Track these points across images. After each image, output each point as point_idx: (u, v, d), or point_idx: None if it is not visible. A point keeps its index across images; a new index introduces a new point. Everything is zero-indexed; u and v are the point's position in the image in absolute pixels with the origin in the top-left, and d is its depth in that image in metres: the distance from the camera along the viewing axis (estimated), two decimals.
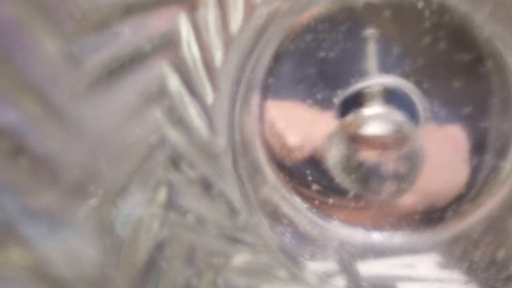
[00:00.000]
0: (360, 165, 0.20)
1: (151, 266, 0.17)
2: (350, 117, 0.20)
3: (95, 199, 0.16)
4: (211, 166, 0.18)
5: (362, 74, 0.20)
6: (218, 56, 0.18)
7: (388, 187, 0.20)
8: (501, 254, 0.19)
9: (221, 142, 0.18)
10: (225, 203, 0.18)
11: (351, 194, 0.21)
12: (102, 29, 0.16)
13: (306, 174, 0.21)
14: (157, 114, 0.17)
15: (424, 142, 0.20)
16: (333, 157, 0.20)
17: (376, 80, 0.20)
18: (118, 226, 0.16)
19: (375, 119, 0.20)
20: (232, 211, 0.18)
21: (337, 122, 0.20)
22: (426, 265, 0.20)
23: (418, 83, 0.20)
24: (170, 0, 0.17)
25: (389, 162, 0.20)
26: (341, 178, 0.20)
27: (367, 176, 0.20)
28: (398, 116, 0.20)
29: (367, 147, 0.20)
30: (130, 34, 0.16)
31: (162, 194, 0.17)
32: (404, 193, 0.20)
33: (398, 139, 0.20)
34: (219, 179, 0.18)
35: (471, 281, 0.19)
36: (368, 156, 0.20)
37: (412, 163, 0.20)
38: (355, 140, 0.20)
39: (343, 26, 0.20)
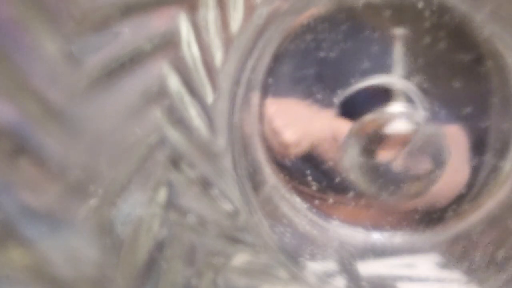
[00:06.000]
0: (378, 166, 0.20)
1: (151, 266, 0.17)
2: (369, 116, 0.20)
3: (95, 199, 0.16)
4: (211, 166, 0.18)
5: (362, 74, 0.20)
6: (218, 56, 0.18)
7: (408, 189, 0.20)
8: (501, 254, 0.19)
9: (221, 142, 0.18)
10: (225, 203, 0.18)
11: (351, 194, 0.21)
12: (102, 29, 0.16)
13: (306, 174, 0.21)
14: (157, 114, 0.17)
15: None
16: (351, 159, 0.20)
17: (375, 80, 0.20)
18: (118, 226, 0.16)
19: (397, 118, 0.20)
20: (232, 211, 0.18)
21: (354, 123, 0.20)
22: (426, 265, 0.20)
23: (418, 83, 0.20)
24: (170, 0, 0.17)
25: (409, 163, 0.20)
26: (358, 180, 0.20)
27: (385, 177, 0.20)
28: (419, 113, 0.20)
29: (388, 146, 0.20)
30: (130, 34, 0.16)
31: (162, 194, 0.17)
32: (424, 194, 0.20)
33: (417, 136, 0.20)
34: (219, 179, 0.18)
35: (471, 281, 0.19)
36: (387, 156, 0.20)
37: (434, 164, 0.20)
38: (375, 139, 0.20)
39: (343, 26, 0.20)
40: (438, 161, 0.20)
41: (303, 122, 0.21)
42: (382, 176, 0.20)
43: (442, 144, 0.20)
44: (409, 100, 0.20)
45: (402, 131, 0.20)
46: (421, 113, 0.20)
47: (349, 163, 0.20)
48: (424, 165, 0.20)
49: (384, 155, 0.20)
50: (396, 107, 0.20)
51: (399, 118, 0.20)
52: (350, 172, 0.20)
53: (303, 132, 0.21)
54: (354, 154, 0.20)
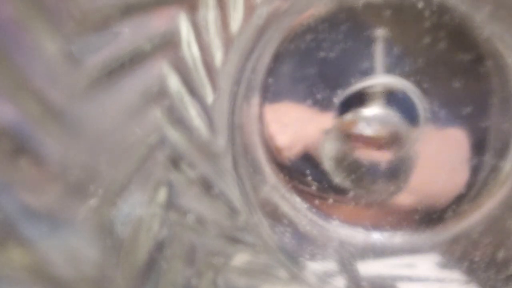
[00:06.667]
0: (355, 163, 0.20)
1: (151, 266, 0.17)
2: (347, 117, 0.20)
3: (95, 199, 0.16)
4: (211, 166, 0.18)
5: (362, 74, 0.20)
6: (218, 56, 0.18)
7: (382, 186, 0.20)
8: (501, 254, 0.19)
9: (221, 142, 0.18)
10: (225, 203, 0.18)
11: (351, 194, 0.21)
12: (102, 29, 0.16)
13: (306, 174, 0.21)
14: (157, 114, 0.17)
15: (424, 142, 0.20)
16: (328, 155, 0.20)
17: (376, 80, 0.20)
18: (118, 226, 0.16)
19: (372, 120, 0.20)
20: (232, 211, 0.18)
21: (334, 121, 0.20)
22: (426, 265, 0.20)
23: (418, 83, 0.20)
24: (170, 0, 0.17)
25: (384, 162, 0.20)
26: (335, 176, 0.20)
27: (361, 174, 0.20)
28: (395, 117, 0.20)
29: (363, 146, 0.20)
30: (130, 34, 0.16)
31: (162, 194, 0.17)
32: (399, 193, 0.20)
33: (393, 140, 0.20)
34: (219, 179, 0.18)
35: (471, 281, 0.19)
36: (363, 155, 0.20)
37: (406, 163, 0.20)
38: (350, 139, 0.20)
39: (343, 26, 0.20)
40: (408, 162, 0.20)
41: (295, 127, 0.21)
42: (356, 174, 0.20)
43: (411, 144, 0.20)
44: (404, 99, 0.20)
45: (376, 133, 0.20)
46: (396, 116, 0.20)
47: (326, 160, 0.20)
48: (394, 163, 0.20)
49: (358, 154, 0.20)
50: (372, 109, 0.20)
51: (374, 120, 0.20)
52: (328, 168, 0.20)
53: (294, 137, 0.21)
54: (331, 151, 0.20)
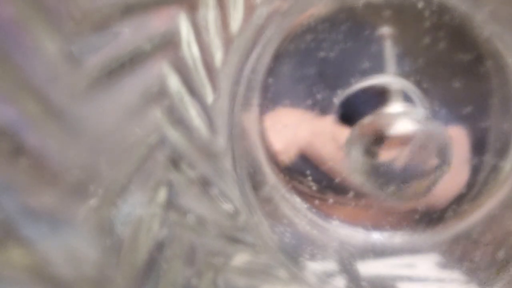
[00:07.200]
0: (382, 167, 0.20)
1: (151, 266, 0.17)
2: (369, 118, 0.20)
3: (95, 199, 0.16)
4: (211, 166, 0.18)
5: (362, 74, 0.20)
6: (218, 56, 0.18)
7: (413, 188, 0.20)
8: (501, 254, 0.19)
9: (221, 142, 0.18)
10: (225, 203, 0.18)
11: (351, 194, 0.21)
12: (102, 29, 0.16)
13: (306, 175, 0.21)
14: (157, 114, 0.17)
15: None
16: (354, 162, 0.20)
17: (376, 80, 0.20)
18: (118, 226, 0.16)
19: (398, 118, 0.19)
20: (232, 211, 0.18)
21: (355, 125, 0.20)
22: (426, 265, 0.20)
23: (418, 83, 0.20)
24: (170, 0, 0.17)
25: (414, 162, 0.20)
26: (363, 182, 0.20)
27: (390, 177, 0.20)
28: (419, 112, 0.19)
29: (391, 146, 0.20)
30: (130, 34, 0.16)
31: (162, 194, 0.17)
32: (428, 193, 0.20)
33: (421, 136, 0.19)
34: (219, 179, 0.18)
35: (471, 281, 0.19)
36: (391, 156, 0.20)
37: (438, 162, 0.20)
38: (377, 141, 0.20)
39: (343, 26, 0.20)
40: (443, 159, 0.20)
41: (295, 127, 0.21)
42: (386, 177, 0.20)
43: (446, 142, 0.20)
44: (408, 99, 0.20)
45: (404, 131, 0.19)
46: (421, 112, 0.20)
47: (353, 165, 0.20)
48: (429, 163, 0.20)
49: (387, 156, 0.20)
50: (395, 107, 0.20)
51: (400, 118, 0.20)
52: (354, 174, 0.20)
53: (294, 137, 0.21)
54: (357, 156, 0.20)
